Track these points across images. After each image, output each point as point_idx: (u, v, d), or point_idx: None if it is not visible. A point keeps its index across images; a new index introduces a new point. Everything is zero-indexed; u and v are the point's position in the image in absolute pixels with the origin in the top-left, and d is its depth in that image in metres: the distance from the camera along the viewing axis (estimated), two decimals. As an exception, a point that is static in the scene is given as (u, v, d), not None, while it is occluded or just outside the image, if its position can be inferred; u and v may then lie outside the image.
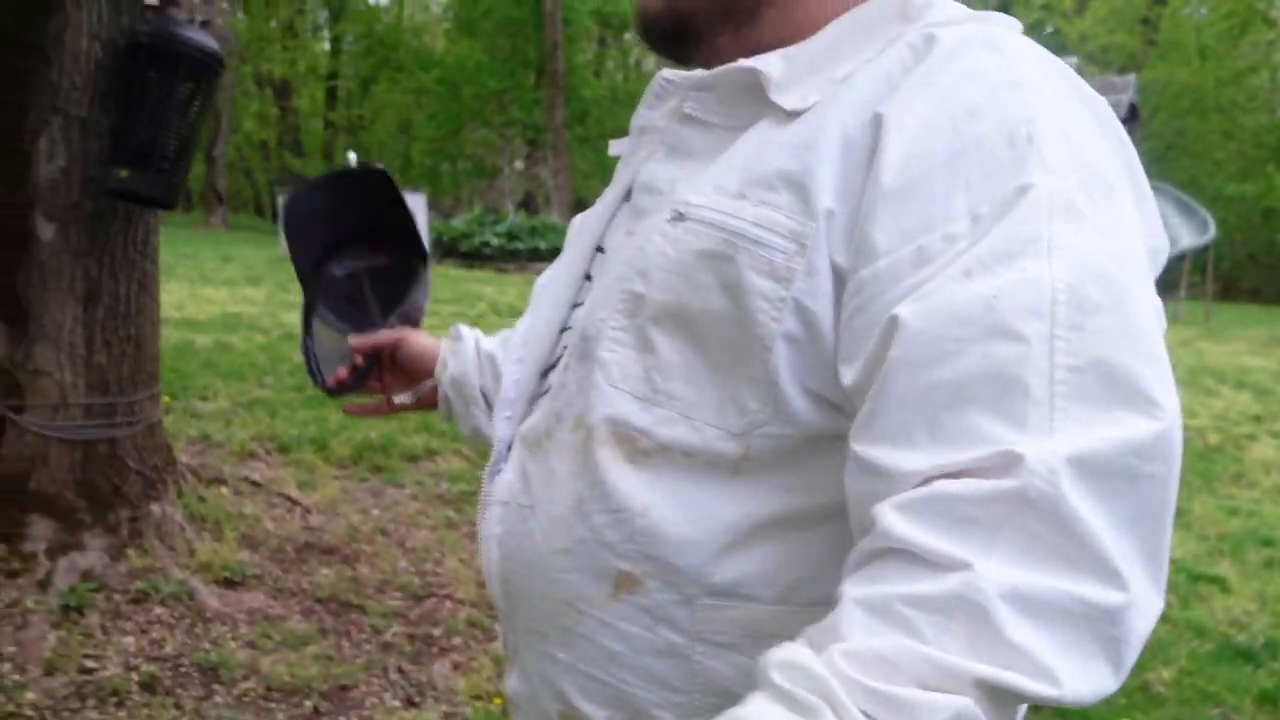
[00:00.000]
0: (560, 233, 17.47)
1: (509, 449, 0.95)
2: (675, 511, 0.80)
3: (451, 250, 16.90)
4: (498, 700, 2.90)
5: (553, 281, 1.01)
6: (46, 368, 3.17)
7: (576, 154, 26.29)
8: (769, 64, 0.84)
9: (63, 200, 3.13)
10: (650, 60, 35.55)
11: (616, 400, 0.83)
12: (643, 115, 0.99)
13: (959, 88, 0.74)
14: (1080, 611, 0.58)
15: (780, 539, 0.80)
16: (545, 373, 0.96)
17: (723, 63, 0.88)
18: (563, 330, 0.96)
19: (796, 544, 0.80)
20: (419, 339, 1.35)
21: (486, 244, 16.72)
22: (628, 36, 32.71)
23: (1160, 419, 0.63)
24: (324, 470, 4.67)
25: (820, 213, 0.75)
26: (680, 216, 0.82)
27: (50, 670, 2.75)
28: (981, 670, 0.56)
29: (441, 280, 13.40)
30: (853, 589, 0.62)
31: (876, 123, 0.75)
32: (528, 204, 22.61)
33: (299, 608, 3.31)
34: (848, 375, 0.72)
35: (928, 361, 0.65)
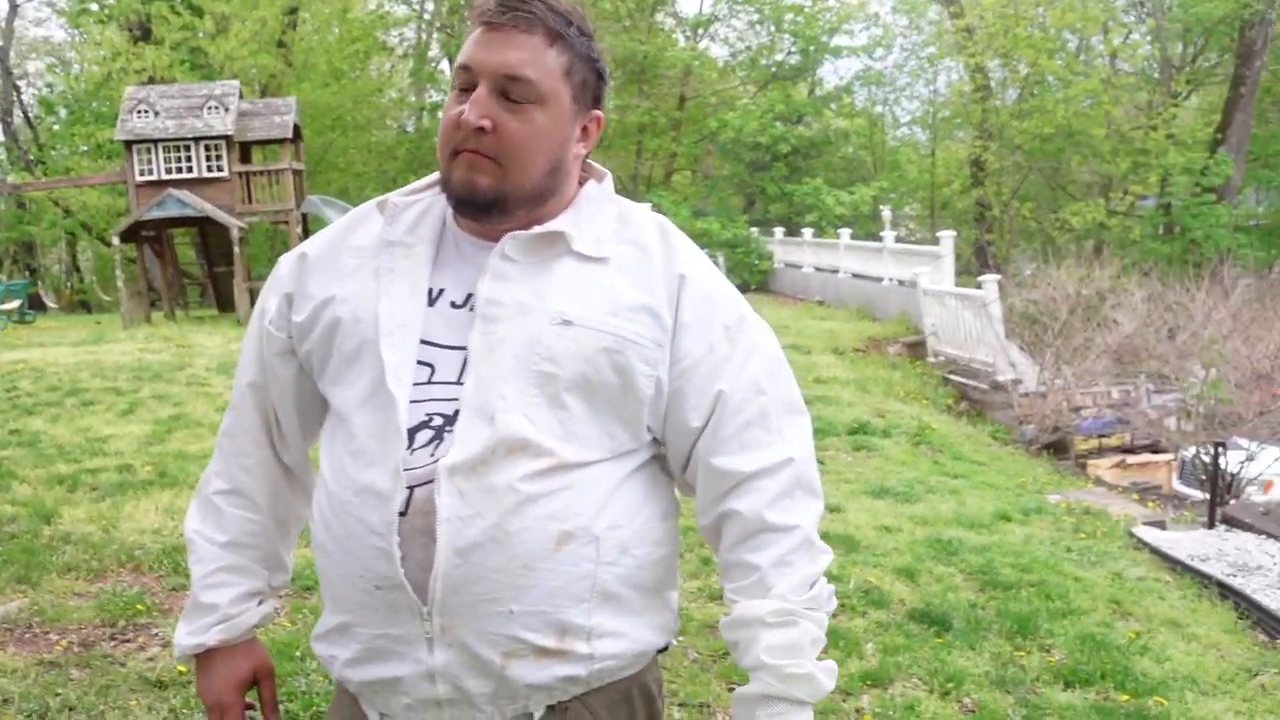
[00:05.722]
0: None
1: (410, 489, 1.27)
2: (580, 493, 1.31)
3: None
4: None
5: (383, 369, 1.30)
6: None
7: None
8: (566, 227, 1.34)
9: None
10: None
11: (540, 440, 1.28)
12: (388, 231, 1.37)
13: (697, 261, 1.40)
14: (819, 509, 1.41)
15: (623, 497, 1.34)
16: (412, 433, 1.28)
17: (513, 224, 1.33)
18: (415, 401, 1.30)
19: (627, 496, 1.35)
20: (244, 658, 1.52)
21: None
22: None
23: (806, 414, 1.44)
24: None
25: (668, 328, 1.35)
26: (569, 323, 1.29)
27: None
28: (822, 564, 1.40)
29: None
30: (758, 557, 1.35)
31: (681, 280, 1.37)
32: None
33: None
34: (697, 419, 1.36)
35: (737, 412, 1.37)
